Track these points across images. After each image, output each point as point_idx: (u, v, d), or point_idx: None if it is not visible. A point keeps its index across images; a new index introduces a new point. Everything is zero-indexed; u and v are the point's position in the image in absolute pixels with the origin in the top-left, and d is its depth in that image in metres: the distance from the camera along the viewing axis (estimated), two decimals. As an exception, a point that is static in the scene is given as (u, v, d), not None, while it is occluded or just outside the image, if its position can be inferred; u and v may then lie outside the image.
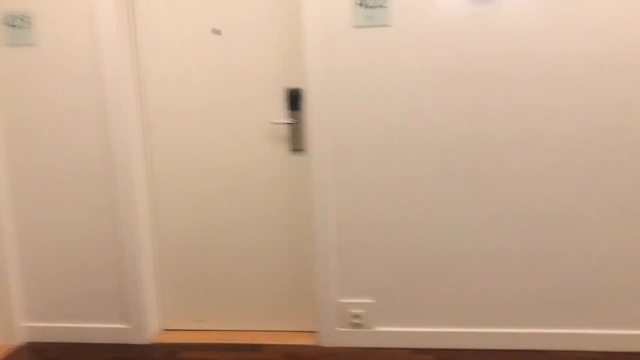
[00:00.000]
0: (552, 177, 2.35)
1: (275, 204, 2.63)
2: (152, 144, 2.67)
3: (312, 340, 2.66)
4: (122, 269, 2.67)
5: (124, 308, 2.71)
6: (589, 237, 2.37)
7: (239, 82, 2.56)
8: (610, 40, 2.24)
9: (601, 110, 2.28)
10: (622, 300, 2.40)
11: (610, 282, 2.40)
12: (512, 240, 2.42)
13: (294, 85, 2.53)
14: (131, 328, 2.71)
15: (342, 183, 2.47)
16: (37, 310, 2.77)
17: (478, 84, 2.32)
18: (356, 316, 2.57)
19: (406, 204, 2.46)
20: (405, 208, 2.46)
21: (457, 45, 2.31)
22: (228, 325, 2.78)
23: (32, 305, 2.77)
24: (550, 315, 2.45)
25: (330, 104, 2.42)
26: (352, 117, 2.41)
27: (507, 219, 2.40)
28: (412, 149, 2.41)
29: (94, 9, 2.46)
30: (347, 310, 2.57)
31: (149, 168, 2.69)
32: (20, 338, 2.76)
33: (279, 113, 2.56)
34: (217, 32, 2.52)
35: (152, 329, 2.74)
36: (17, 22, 2.51)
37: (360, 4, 2.33)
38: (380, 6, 2.32)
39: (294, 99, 2.52)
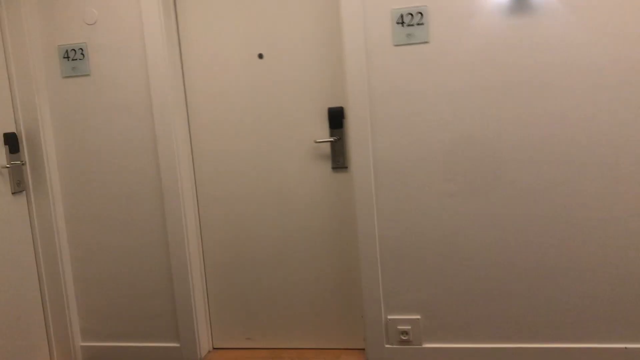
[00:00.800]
0: (607, 185, 2.31)
1: (319, 221, 2.67)
2: (199, 166, 2.75)
3: (361, 358, 2.66)
4: (172, 288, 2.74)
5: (175, 327, 2.78)
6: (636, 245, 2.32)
7: (283, 103, 2.62)
8: (654, 47, 2.21)
9: (648, 118, 2.24)
10: (680, 313, 2.33)
11: (667, 294, 2.33)
12: (563, 252, 2.38)
13: (335, 104, 2.58)
14: (182, 347, 2.77)
15: (385, 199, 2.49)
16: (93, 330, 2.87)
17: (519, 96, 2.32)
18: (404, 332, 2.56)
19: (450, 219, 2.45)
20: (449, 223, 2.45)
21: (497, 58, 2.32)
22: (277, 344, 2.81)
23: (88, 326, 2.87)
24: (604, 327, 2.39)
25: (371, 122, 2.45)
26: (393, 134, 2.44)
27: (558, 232, 2.37)
28: (455, 164, 2.41)
29: (142, 38, 2.58)
30: (395, 327, 2.57)
31: (196, 190, 2.77)
32: (78, 357, 2.85)
33: (322, 132, 2.61)
34: (259, 56, 2.59)
35: (202, 347, 2.80)
36: (72, 55, 2.65)
37: (400, 23, 2.36)
38: (419, 23, 2.35)
39: (336, 118, 2.57)
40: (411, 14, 2.35)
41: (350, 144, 2.47)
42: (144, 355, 2.82)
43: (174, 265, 2.70)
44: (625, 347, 2.37)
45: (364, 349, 2.71)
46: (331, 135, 2.59)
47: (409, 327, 2.55)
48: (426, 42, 2.36)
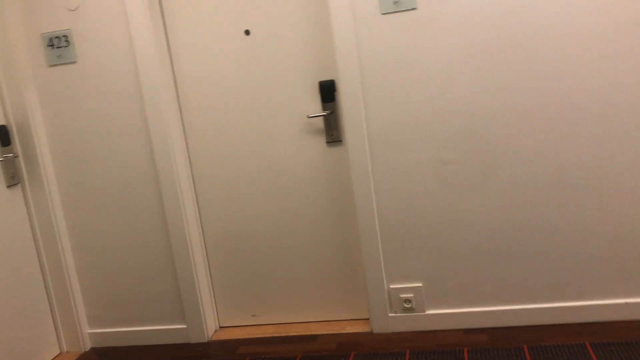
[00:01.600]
0: (603, 145, 2.31)
1: (317, 196, 2.67)
2: (193, 146, 2.74)
3: (366, 328, 2.69)
4: (175, 270, 2.76)
5: (180, 309, 2.80)
6: (634, 202, 2.33)
7: (273, 79, 2.60)
8: (645, 1, 2.18)
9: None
10: (678, 266, 2.35)
11: (665, 248, 2.35)
12: (562, 213, 2.39)
13: (326, 77, 2.55)
14: (189, 328, 2.80)
15: (381, 170, 2.49)
16: (99, 316, 2.89)
17: (512, 59, 2.30)
18: (407, 300, 2.59)
19: (447, 186, 2.46)
20: (446, 190, 2.46)
21: (488, 22, 2.29)
22: (282, 319, 2.84)
23: (94, 313, 2.89)
24: (605, 285, 2.42)
25: (363, 93, 2.43)
26: (385, 104, 2.43)
27: (553, 191, 2.38)
28: (449, 131, 2.40)
29: (127, 21, 2.54)
30: (397, 296, 2.60)
31: (191, 171, 2.76)
32: (85, 344, 2.89)
33: (314, 106, 2.59)
34: (246, 32, 2.56)
35: (209, 327, 2.83)
36: (56, 42, 2.61)
37: (385, -9, 2.33)
38: (405, -10, 2.32)
39: (327, 91, 2.55)
40: (397, -18, 2.32)
41: (344, 117, 2.46)
42: (151, 338, 2.85)
43: (175, 247, 2.71)
44: (626, 302, 2.40)
45: (368, 319, 2.74)
46: (324, 109, 2.57)
47: (412, 295, 2.58)
48: (414, 9, 2.34)
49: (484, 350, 2.36)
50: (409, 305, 2.59)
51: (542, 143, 2.34)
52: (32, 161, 2.70)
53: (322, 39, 2.52)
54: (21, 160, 2.70)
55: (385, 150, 2.47)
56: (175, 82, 2.69)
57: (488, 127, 2.37)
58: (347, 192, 2.64)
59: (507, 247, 2.46)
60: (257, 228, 2.76)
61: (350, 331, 2.69)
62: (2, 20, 2.57)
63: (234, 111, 2.66)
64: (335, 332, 2.70)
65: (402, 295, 2.59)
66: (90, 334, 2.91)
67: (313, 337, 2.68)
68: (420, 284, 2.57)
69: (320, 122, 2.60)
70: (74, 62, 2.63)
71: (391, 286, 2.60)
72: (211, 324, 2.85)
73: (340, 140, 2.59)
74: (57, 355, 2.85)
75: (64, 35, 2.60)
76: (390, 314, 2.62)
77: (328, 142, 2.61)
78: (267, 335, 2.76)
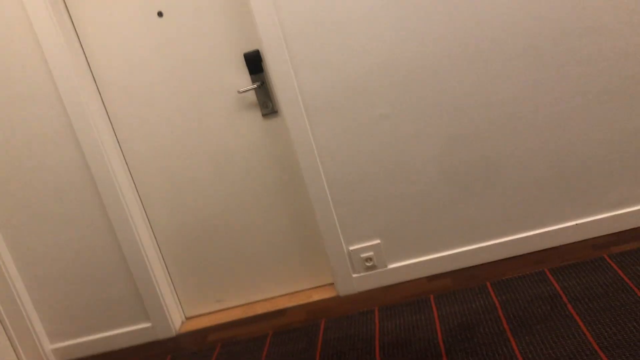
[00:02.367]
0: (532, 76, 2.33)
1: (262, 171, 2.61)
2: (124, 140, 2.62)
3: (332, 292, 2.69)
4: (129, 271, 2.67)
5: (142, 308, 2.73)
6: (575, 124, 2.38)
7: (195, 58, 2.49)
8: None
9: None
10: (617, 182, 2.43)
11: (600, 165, 2.41)
12: (503, 146, 2.42)
13: (250, 48, 2.47)
14: (154, 325, 2.73)
15: (322, 135, 2.45)
16: (59, 330, 2.79)
17: (431, 5, 2.27)
18: (368, 259, 2.60)
19: (389, 141, 2.44)
20: (390, 145, 2.45)
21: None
22: (248, 298, 2.81)
23: (53, 328, 2.78)
24: (555, 210, 2.48)
25: (290, 59, 2.37)
26: (315, 68, 2.37)
27: (495, 129, 2.40)
28: (381, 85, 2.38)
29: (29, 22, 2.37)
30: (358, 256, 2.60)
31: (127, 166, 2.65)
32: (50, 361, 2.79)
33: (243, 80, 2.51)
34: (159, 14, 2.43)
35: (174, 320, 2.77)
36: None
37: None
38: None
39: (253, 63, 2.47)
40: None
41: (275, 87, 2.39)
42: (118, 343, 2.78)
43: (125, 248, 2.62)
44: (576, 224, 2.48)
45: (333, 284, 2.74)
46: (253, 81, 2.50)
47: (372, 253, 2.59)
48: (328, -34, 2.27)
49: (449, 293, 2.40)
50: (370, 264, 2.60)
51: (475, 83, 2.35)
52: (-45, 184, 2.53)
53: (240, 8, 2.42)
54: (-58, 185, 2.53)
55: (323, 114, 2.43)
56: (93, 77, 2.54)
57: (419, 74, 2.35)
58: (292, 162, 2.60)
59: (456, 189, 2.49)
60: (206, 213, 2.69)
61: (318, 299, 2.69)
62: None
63: (161, 97, 2.55)
64: (302, 302, 2.69)
65: (362, 255, 2.60)
66: (53, 350, 2.80)
67: (282, 312, 2.67)
68: (379, 241, 2.58)
69: (252, 96, 2.53)
70: (-20, 72, 2.45)
71: (350, 248, 2.60)
72: (176, 317, 2.80)
73: (276, 111, 2.53)
74: (22, 378, 2.75)
75: (-37, 45, 2.41)
76: (353, 275, 2.63)
77: (264, 115, 2.54)
78: (235, 318, 2.73)
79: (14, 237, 2.66)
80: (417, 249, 2.58)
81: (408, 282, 2.61)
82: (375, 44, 2.33)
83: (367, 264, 2.60)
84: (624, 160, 2.40)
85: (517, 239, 2.52)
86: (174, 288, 2.81)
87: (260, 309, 2.74)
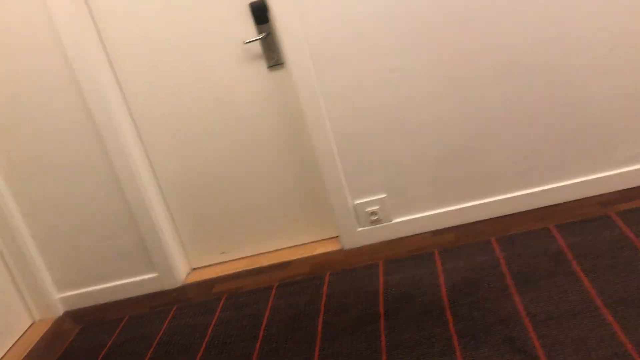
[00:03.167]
0: (539, 29, 2.27)
1: (267, 123, 2.58)
2: (128, 89, 2.58)
3: (337, 246, 2.71)
4: (136, 222, 2.68)
5: (148, 258, 2.75)
6: (583, 79, 2.33)
7: (200, 9, 2.42)
8: None
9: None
10: (626, 139, 2.40)
11: (608, 122, 2.39)
12: (509, 101, 2.38)
13: (256, -2, 2.40)
14: (161, 275, 2.76)
15: (329, 87, 2.41)
16: (66, 280, 2.82)
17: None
18: (373, 213, 2.60)
19: (396, 94, 2.40)
20: (396, 98, 2.41)
21: None
22: (253, 251, 2.83)
23: (60, 277, 2.82)
24: (561, 167, 2.46)
25: (297, 9, 2.30)
26: (323, 17, 2.31)
27: (499, 81, 2.36)
28: (391, 37, 2.32)
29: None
30: (363, 210, 2.60)
31: (132, 116, 2.62)
32: (58, 309, 2.83)
33: (250, 31, 2.45)
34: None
35: (181, 271, 2.80)
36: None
37: None
38: None
39: (259, 13, 2.41)
40: None
41: (282, 38, 2.34)
42: (125, 292, 2.82)
43: (131, 197, 2.62)
44: (581, 180, 2.47)
45: (338, 237, 2.76)
46: (259, 32, 2.44)
47: (377, 207, 2.59)
48: None
49: (454, 249, 2.41)
50: (375, 218, 2.61)
51: (486, 37, 2.29)
52: (-42, 134, 2.51)
53: (245, -44, 2.35)
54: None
55: (331, 66, 2.38)
56: (97, 28, 2.48)
57: (429, 27, 2.29)
58: (298, 115, 2.57)
59: (463, 145, 2.47)
60: (211, 166, 2.68)
61: (322, 252, 2.70)
62: None
63: (165, 48, 2.49)
64: (307, 255, 2.71)
65: (367, 209, 2.60)
66: (60, 298, 2.85)
67: (286, 264, 2.69)
68: (384, 195, 2.58)
69: (258, 47, 2.47)
70: (-21, 20, 2.40)
71: (356, 202, 2.60)
72: (182, 268, 2.82)
73: (282, 63, 2.48)
74: (30, 326, 2.80)
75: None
76: (358, 229, 2.64)
77: (270, 67, 2.49)
78: (240, 270, 2.76)
79: (19, 187, 2.66)
80: (422, 203, 2.58)
81: (413, 236, 2.62)
82: (385, -6, 2.26)
83: (372, 218, 2.61)
84: (631, 117, 2.36)
85: (523, 194, 2.51)
86: (180, 239, 2.83)
87: (265, 261, 2.77)
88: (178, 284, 2.77)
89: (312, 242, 2.80)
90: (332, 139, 2.49)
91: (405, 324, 2.04)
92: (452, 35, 2.30)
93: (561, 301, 1.92)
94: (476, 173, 2.50)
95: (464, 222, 2.58)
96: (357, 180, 2.56)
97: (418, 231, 2.62)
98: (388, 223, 2.62)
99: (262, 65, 2.49)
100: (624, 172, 2.44)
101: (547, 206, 2.51)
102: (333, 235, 2.78)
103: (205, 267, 2.88)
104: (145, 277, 2.79)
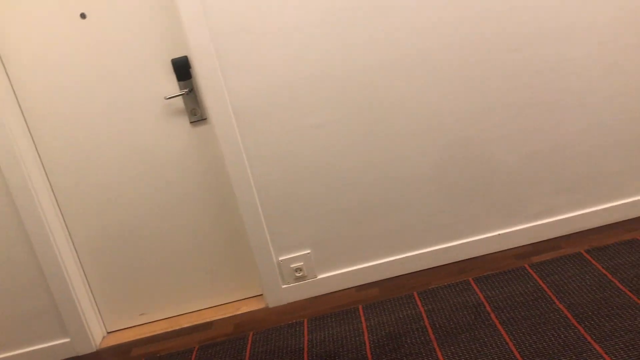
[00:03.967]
0: (458, 88, 2.39)
1: (190, 179, 2.54)
2: (42, 147, 2.48)
3: (261, 304, 2.66)
4: (46, 283, 2.53)
5: (60, 322, 2.59)
6: (498, 137, 2.45)
7: (122, 64, 2.39)
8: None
9: None
10: (538, 193, 2.53)
11: (520, 177, 2.51)
12: (430, 159, 2.46)
13: (179, 54, 2.40)
14: (73, 340, 2.60)
15: (252, 144, 2.42)
16: (-33, 348, 2.61)
17: (361, 15, 2.28)
18: (298, 269, 2.58)
19: (318, 151, 2.44)
20: (318, 155, 2.44)
21: (334, -21, 2.25)
22: (173, 311, 2.73)
23: (-40, 345, 2.60)
24: (478, 222, 2.55)
25: (220, 65, 2.32)
26: (245, 74, 2.33)
27: (419, 141, 2.44)
28: (313, 94, 2.37)
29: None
30: (288, 266, 2.58)
31: (45, 174, 2.51)
32: (-44, 381, 2.60)
33: (172, 86, 2.44)
34: (82, 15, 2.33)
35: (95, 335, 2.64)
36: None
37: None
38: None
39: (182, 69, 2.40)
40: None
41: (204, 94, 2.34)
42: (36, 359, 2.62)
43: (42, 258, 2.48)
44: (498, 234, 2.56)
45: (262, 295, 2.70)
46: (181, 88, 2.43)
47: (302, 264, 2.57)
48: (260, -27, 2.24)
49: (377, 303, 2.41)
50: (300, 274, 2.59)
51: (404, 95, 2.38)
52: None
53: (168, 11, 2.35)
54: None
55: (253, 121, 2.39)
56: (8, 80, 2.39)
57: (350, 85, 2.36)
58: (221, 170, 2.54)
59: (384, 200, 2.51)
60: (131, 224, 2.59)
61: (246, 310, 2.64)
62: None
63: (84, 102, 2.43)
64: (230, 314, 2.64)
65: (292, 265, 2.58)
66: (-40, 369, 2.62)
67: (208, 325, 2.61)
68: (309, 251, 2.57)
69: (181, 103, 2.46)
70: None
71: (280, 258, 2.57)
72: (97, 332, 2.67)
73: (205, 118, 2.47)
74: None
75: None
76: (283, 286, 2.60)
77: (192, 122, 2.48)
78: (160, 332, 2.64)
79: None
80: (346, 258, 2.59)
81: (337, 292, 2.61)
82: (306, 52, 2.32)
83: (297, 274, 2.58)
84: (543, 172, 2.50)
85: (442, 248, 2.57)
86: (95, 300, 2.69)
87: (186, 322, 2.66)
88: (92, 349, 2.62)
89: (236, 300, 2.73)
90: (255, 195, 2.47)
91: (329, 384, 2.00)
92: (376, 93, 2.37)
93: (481, 354, 1.94)
94: (397, 228, 2.55)
95: (387, 277, 2.60)
96: (281, 235, 2.54)
97: (343, 286, 2.62)
98: (313, 279, 2.60)
99: (185, 120, 2.48)
100: (536, 225, 2.55)
101: (466, 259, 2.58)
102: (257, 294, 2.72)
103: (122, 329, 2.74)
104: (57, 342, 2.61)
